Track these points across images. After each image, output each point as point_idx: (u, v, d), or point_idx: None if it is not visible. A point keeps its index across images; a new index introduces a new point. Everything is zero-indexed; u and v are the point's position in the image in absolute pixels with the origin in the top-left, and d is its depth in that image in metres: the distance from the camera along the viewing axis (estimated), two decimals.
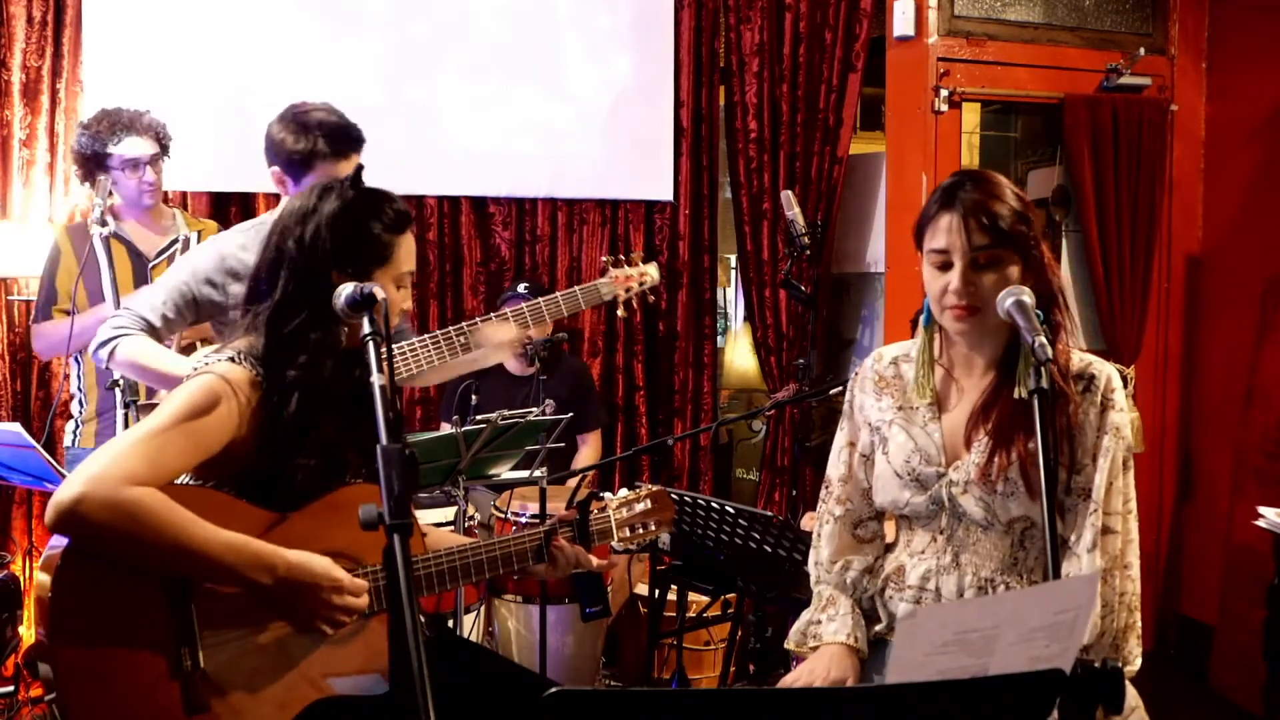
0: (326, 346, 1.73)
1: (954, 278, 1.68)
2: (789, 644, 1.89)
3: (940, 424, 1.80)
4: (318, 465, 1.72)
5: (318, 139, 2.41)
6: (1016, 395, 1.71)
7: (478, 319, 2.73)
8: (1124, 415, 1.73)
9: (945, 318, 1.73)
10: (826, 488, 1.95)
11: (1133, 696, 1.70)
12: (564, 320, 4.14)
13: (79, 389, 3.11)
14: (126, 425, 2.53)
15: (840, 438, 1.94)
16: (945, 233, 1.69)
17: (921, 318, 1.81)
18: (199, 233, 3.17)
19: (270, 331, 1.73)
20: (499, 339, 2.67)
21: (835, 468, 1.94)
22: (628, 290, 2.96)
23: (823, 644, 1.82)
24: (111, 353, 2.37)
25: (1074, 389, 1.72)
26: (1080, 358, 1.76)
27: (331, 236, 1.75)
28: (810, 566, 1.95)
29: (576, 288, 2.89)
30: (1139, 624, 1.70)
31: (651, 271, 3.02)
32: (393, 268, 1.78)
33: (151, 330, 2.41)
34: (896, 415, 1.84)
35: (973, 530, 1.76)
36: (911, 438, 1.80)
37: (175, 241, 3.12)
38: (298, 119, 2.44)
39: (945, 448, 1.78)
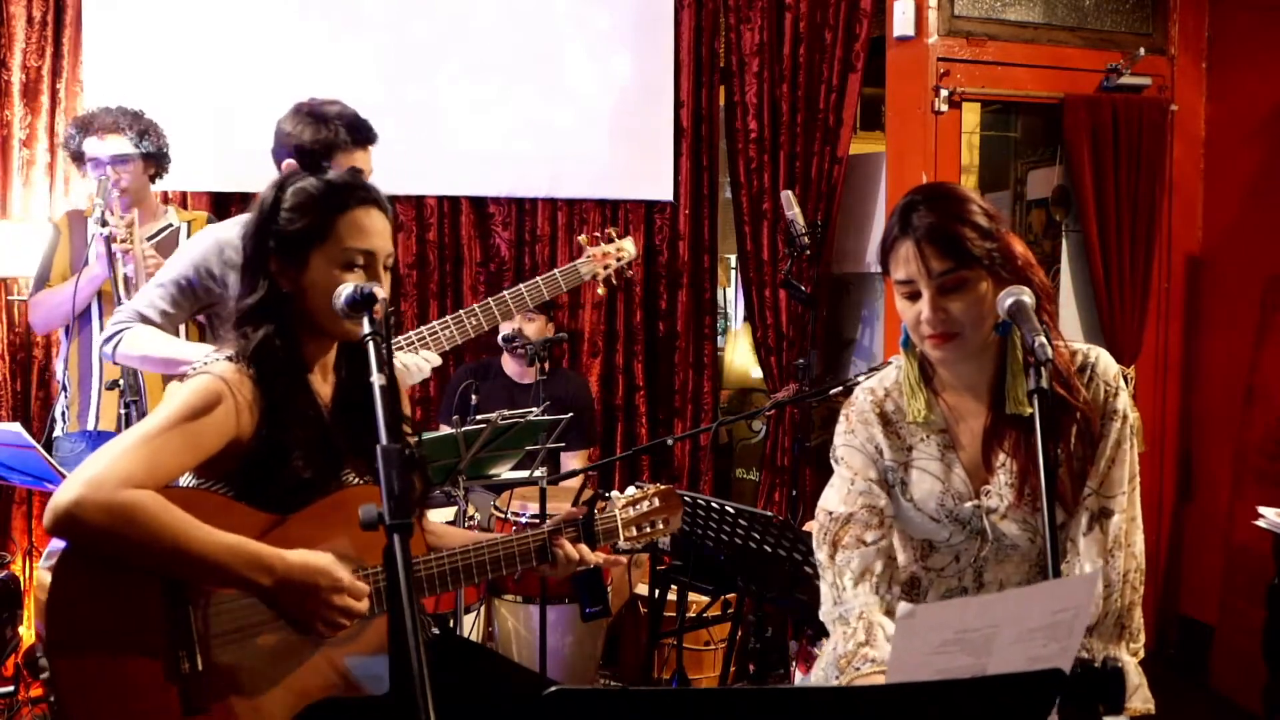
0: (281, 328, 1.73)
1: (924, 307, 1.64)
2: (822, 678, 1.75)
3: (957, 454, 1.75)
4: (317, 460, 1.72)
5: (338, 129, 2.47)
6: (1008, 411, 1.69)
7: (434, 323, 2.69)
8: (1126, 396, 1.71)
9: (925, 346, 1.69)
10: (839, 524, 1.76)
11: (1136, 674, 1.69)
12: (565, 324, 4.15)
13: (64, 362, 3.16)
14: (127, 425, 2.55)
15: (843, 475, 1.80)
16: (905, 263, 1.65)
17: (900, 341, 1.77)
18: (189, 223, 3.20)
19: (235, 320, 1.76)
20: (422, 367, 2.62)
21: (846, 504, 1.77)
22: (606, 267, 2.96)
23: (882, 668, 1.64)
24: (115, 349, 2.40)
25: (1079, 381, 1.71)
26: (1075, 349, 1.74)
27: (260, 218, 1.75)
28: (828, 592, 1.77)
29: (556, 270, 2.88)
30: (1139, 601, 1.69)
31: (628, 246, 3.02)
32: (331, 245, 1.71)
33: (149, 325, 2.43)
34: (911, 456, 1.77)
35: (1004, 549, 1.73)
36: (937, 477, 1.74)
37: (165, 228, 3.17)
38: (314, 112, 2.50)
39: (970, 476, 1.74)
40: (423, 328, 2.68)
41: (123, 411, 2.60)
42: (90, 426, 3.09)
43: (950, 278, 1.62)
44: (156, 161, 3.13)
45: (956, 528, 1.73)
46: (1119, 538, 1.67)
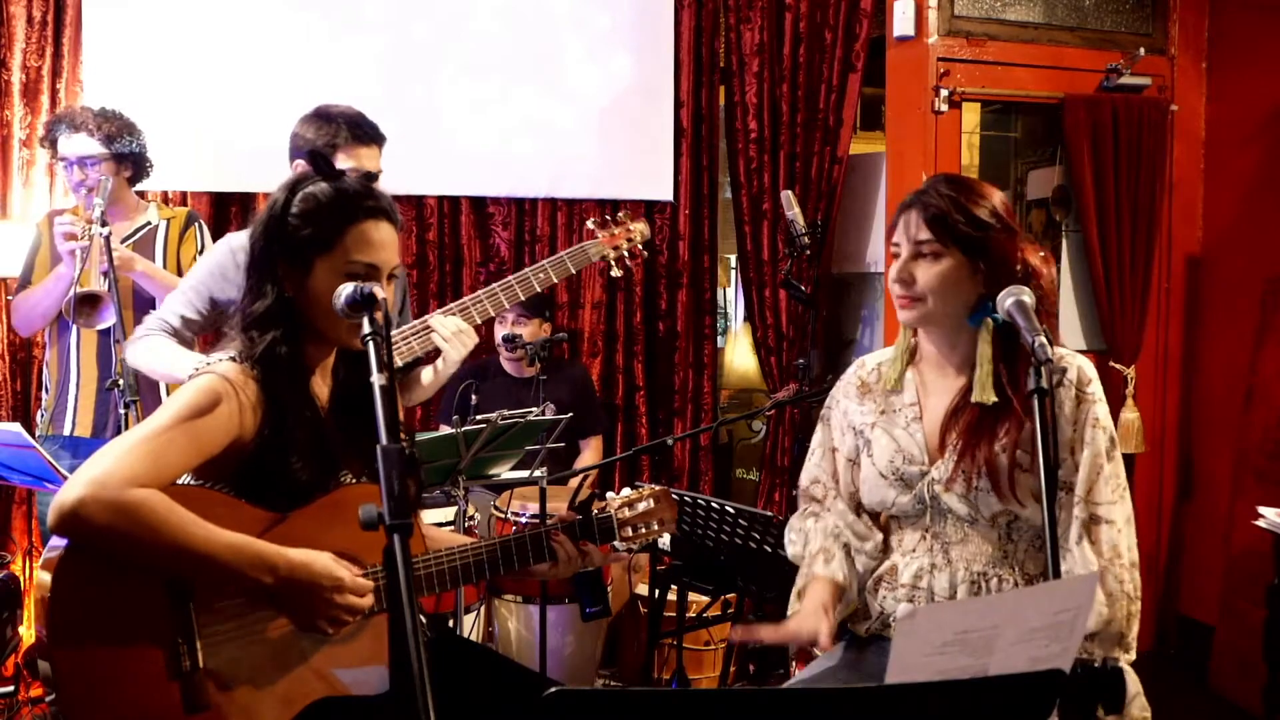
0: (287, 334, 1.73)
1: (894, 268, 1.79)
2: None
3: (922, 424, 1.84)
4: (315, 461, 1.73)
5: (340, 127, 2.51)
6: (974, 399, 1.76)
7: (427, 316, 2.57)
8: (1103, 406, 1.76)
9: (897, 308, 1.81)
10: (804, 493, 2.00)
11: (1134, 683, 1.71)
12: (564, 324, 4.15)
13: (45, 366, 3.20)
14: (126, 426, 2.55)
15: (817, 443, 2.00)
16: (898, 227, 1.80)
17: None
18: (168, 221, 3.19)
19: (241, 323, 1.76)
20: (450, 331, 2.49)
21: (812, 472, 2.00)
22: (617, 249, 2.86)
23: (815, 579, 1.86)
24: (133, 354, 2.51)
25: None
26: (1058, 353, 1.76)
27: (269, 218, 1.75)
28: (797, 537, 1.98)
29: (563, 252, 2.80)
30: (1138, 610, 1.72)
31: (641, 227, 2.91)
32: (336, 256, 1.71)
33: (173, 332, 2.51)
34: (879, 418, 1.88)
35: (960, 526, 1.79)
36: (894, 439, 1.85)
37: (143, 226, 3.15)
38: (319, 113, 2.56)
39: (928, 447, 1.83)
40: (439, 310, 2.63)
41: (122, 412, 2.61)
42: (66, 431, 3.09)
43: (926, 245, 1.75)
44: (133, 163, 3.09)
45: (903, 489, 1.83)
46: (1115, 547, 1.70)
